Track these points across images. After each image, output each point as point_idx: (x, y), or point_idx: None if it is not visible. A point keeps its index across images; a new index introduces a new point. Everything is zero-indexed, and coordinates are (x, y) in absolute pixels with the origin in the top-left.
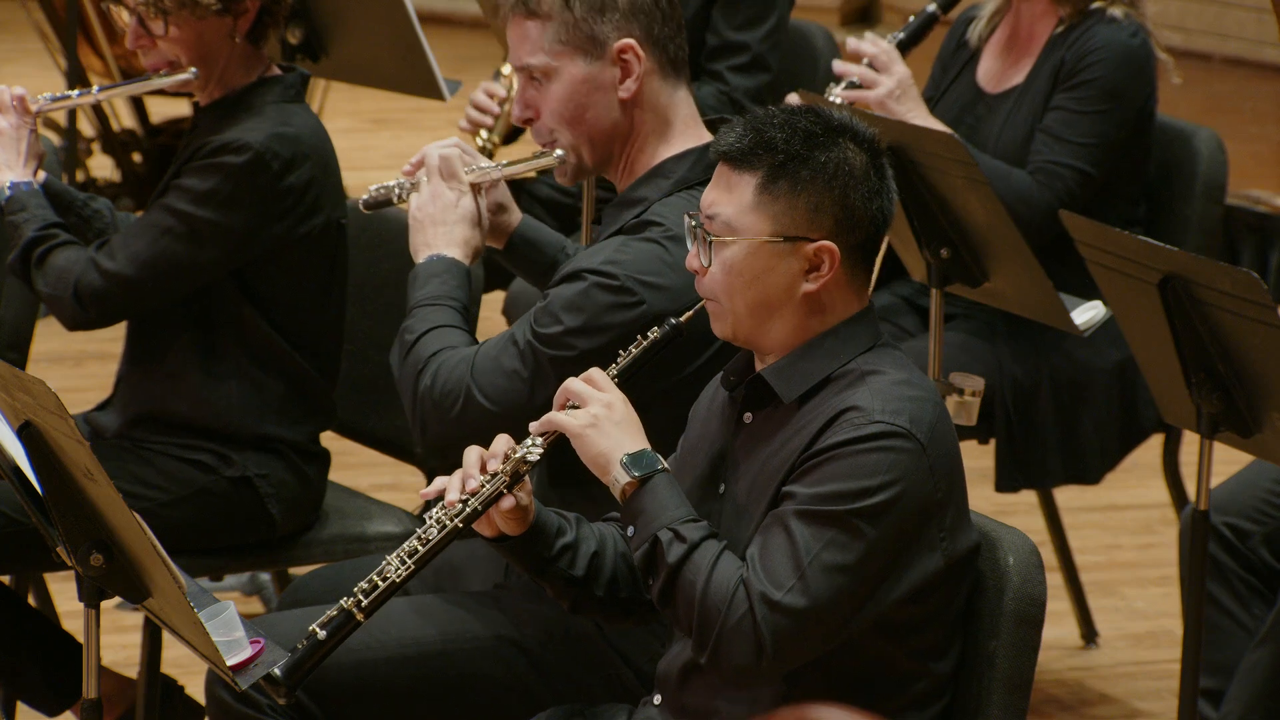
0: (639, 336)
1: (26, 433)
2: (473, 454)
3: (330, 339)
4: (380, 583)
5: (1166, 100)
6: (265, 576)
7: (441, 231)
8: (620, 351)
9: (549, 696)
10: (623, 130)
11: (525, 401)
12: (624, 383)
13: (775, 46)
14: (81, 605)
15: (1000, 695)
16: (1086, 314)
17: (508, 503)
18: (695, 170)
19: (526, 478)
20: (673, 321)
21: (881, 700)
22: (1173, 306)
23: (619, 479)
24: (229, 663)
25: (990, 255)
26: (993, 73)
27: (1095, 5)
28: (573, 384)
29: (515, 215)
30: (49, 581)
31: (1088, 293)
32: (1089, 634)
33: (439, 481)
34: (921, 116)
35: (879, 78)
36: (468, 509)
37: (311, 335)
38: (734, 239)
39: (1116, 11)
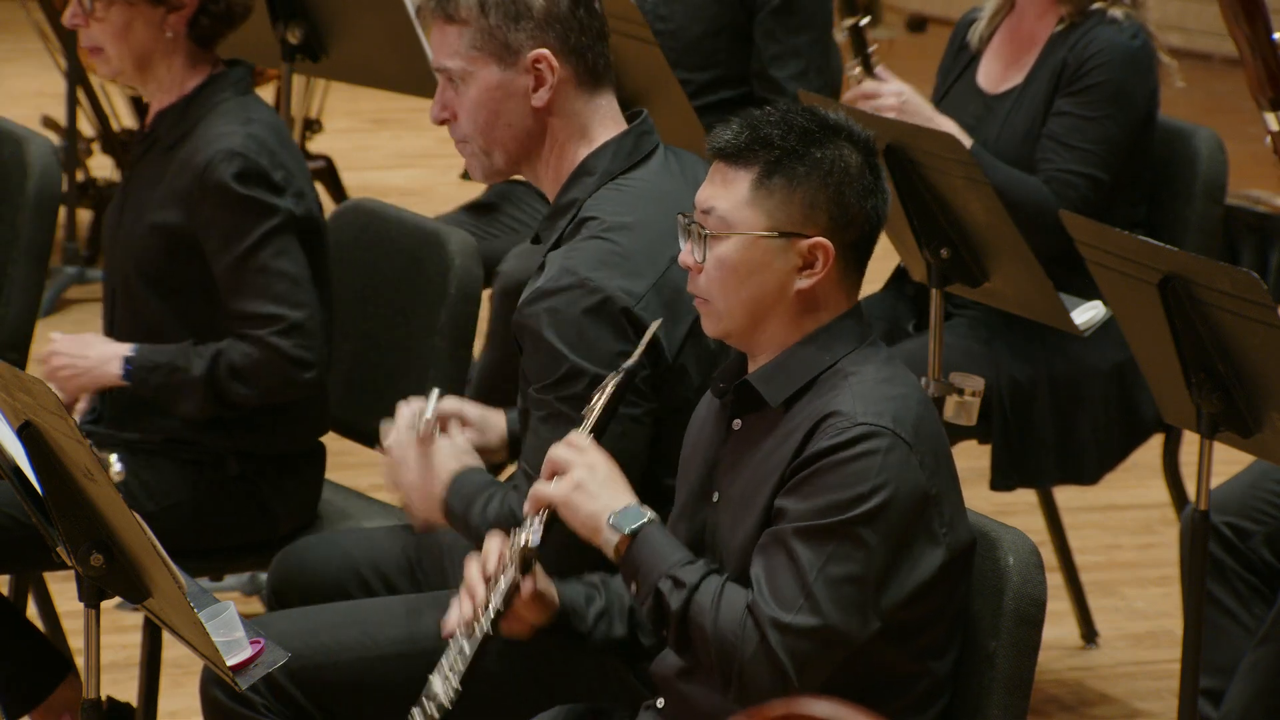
0: (597, 390)
1: (26, 433)
2: (473, 568)
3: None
4: (429, 705)
5: (1166, 100)
6: (265, 576)
7: (436, 488)
8: (585, 411)
9: (546, 695)
10: (536, 136)
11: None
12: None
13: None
14: (81, 605)
15: (1000, 695)
16: (1086, 314)
17: (526, 589)
18: (617, 161)
19: (536, 564)
20: (626, 366)
21: (884, 703)
22: (1173, 306)
23: (610, 539)
24: (229, 663)
25: (990, 255)
26: (993, 74)
27: (1096, 6)
28: (554, 451)
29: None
30: (49, 581)
31: (1088, 293)
32: (1089, 634)
33: (453, 612)
34: (931, 118)
35: (883, 101)
36: (489, 614)
37: None
38: (729, 233)
39: (1117, 13)
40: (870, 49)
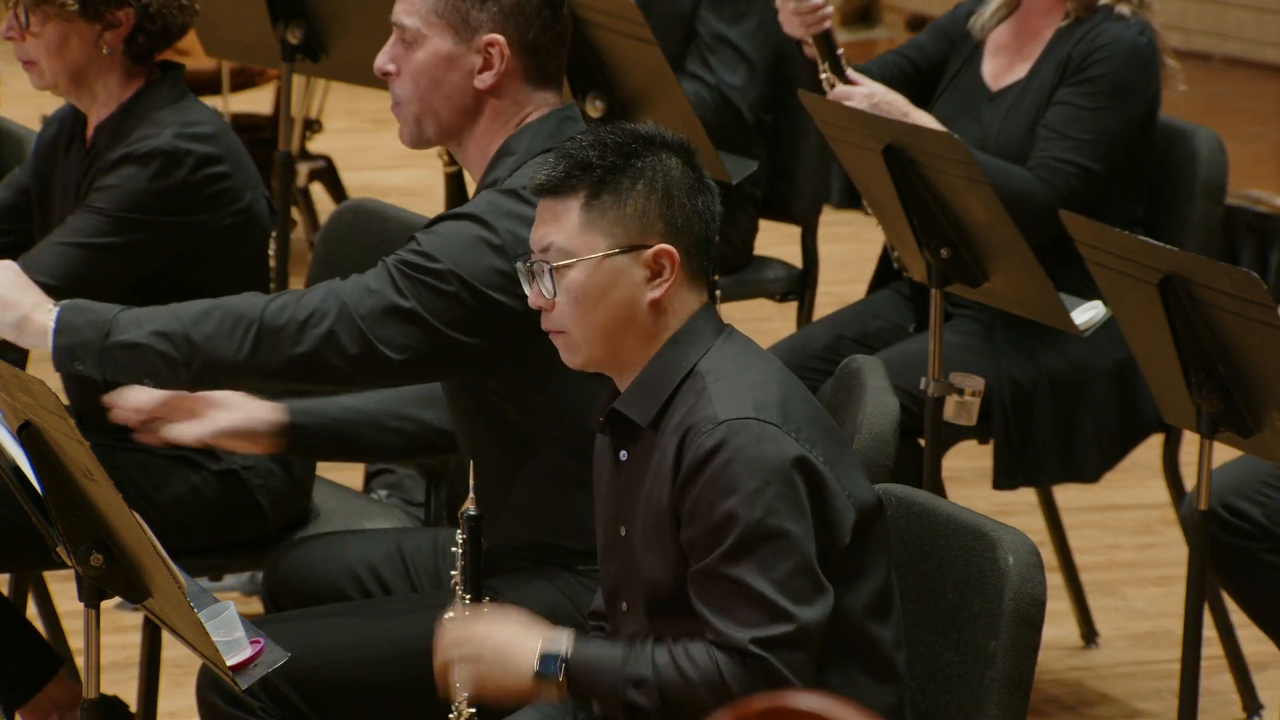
0: (452, 550)
1: (26, 433)
2: None
3: None
4: None
5: (1166, 100)
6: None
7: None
8: (452, 573)
9: None
10: (471, 114)
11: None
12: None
13: (760, 45)
14: (81, 605)
15: (1000, 695)
16: (1086, 314)
17: None
18: (537, 141)
19: None
20: (470, 513)
21: (833, 673)
22: (1173, 306)
23: (548, 691)
24: (229, 663)
25: (990, 255)
26: (997, 69)
27: (1103, 2)
28: (439, 653)
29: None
30: (49, 581)
31: (1088, 293)
32: (1089, 634)
33: None
34: (906, 113)
35: (855, 105)
36: None
37: None
38: (573, 261)
39: (1124, 9)
40: (839, 51)
